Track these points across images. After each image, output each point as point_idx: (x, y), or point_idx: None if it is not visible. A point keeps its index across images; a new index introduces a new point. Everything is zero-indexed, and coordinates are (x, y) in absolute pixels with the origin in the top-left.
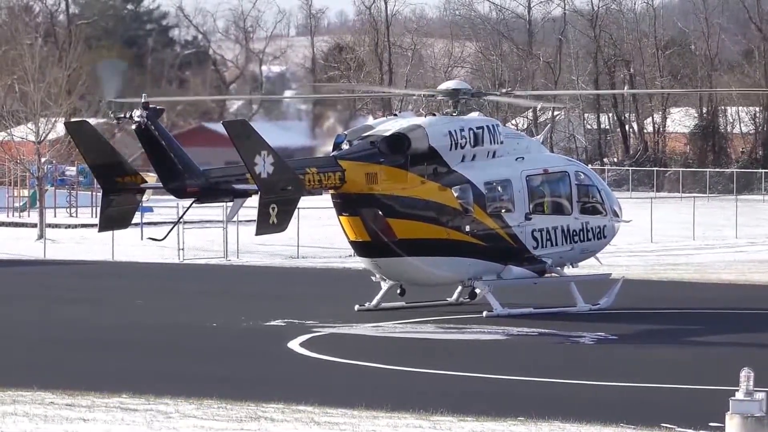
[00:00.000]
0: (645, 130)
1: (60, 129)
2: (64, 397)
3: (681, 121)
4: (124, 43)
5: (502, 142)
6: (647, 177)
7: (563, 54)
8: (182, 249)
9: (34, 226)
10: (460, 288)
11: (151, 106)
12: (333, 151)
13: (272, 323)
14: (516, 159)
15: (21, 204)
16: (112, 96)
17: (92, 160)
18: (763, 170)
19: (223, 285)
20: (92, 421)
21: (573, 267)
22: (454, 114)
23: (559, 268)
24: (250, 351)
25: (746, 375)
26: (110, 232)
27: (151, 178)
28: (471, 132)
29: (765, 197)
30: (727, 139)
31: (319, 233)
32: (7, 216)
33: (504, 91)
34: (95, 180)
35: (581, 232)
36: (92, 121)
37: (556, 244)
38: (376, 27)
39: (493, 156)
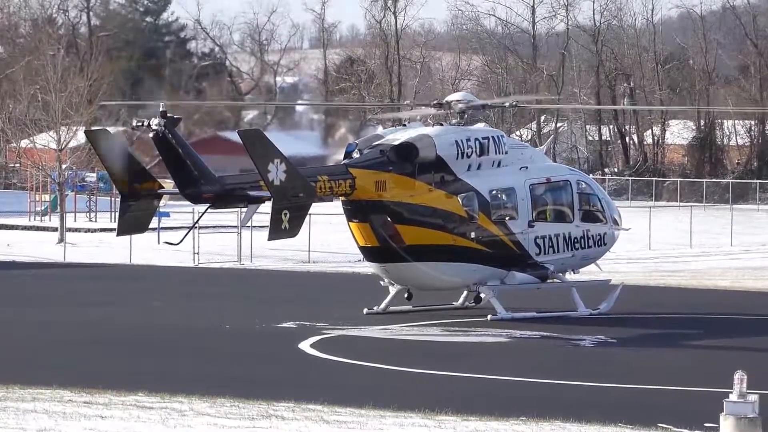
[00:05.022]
0: (645, 142)
1: (80, 137)
2: (83, 395)
3: (679, 133)
4: (143, 54)
5: (506, 152)
6: (646, 186)
7: (566, 67)
8: (197, 253)
9: (54, 230)
10: (465, 292)
11: (168, 115)
12: (344, 159)
13: (284, 325)
14: (520, 168)
15: (42, 208)
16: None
17: (111, 166)
18: (758, 181)
19: (236, 288)
20: (109, 418)
21: (574, 273)
22: (461, 124)
23: (560, 274)
24: (262, 352)
25: (740, 378)
26: (128, 237)
27: (168, 184)
28: (477, 142)
29: (759, 207)
30: (724, 150)
31: (330, 239)
32: (29, 220)
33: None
34: (114, 186)
35: (582, 240)
36: (112, 129)
37: (558, 251)
38: (387, 40)
39: (498, 165)
